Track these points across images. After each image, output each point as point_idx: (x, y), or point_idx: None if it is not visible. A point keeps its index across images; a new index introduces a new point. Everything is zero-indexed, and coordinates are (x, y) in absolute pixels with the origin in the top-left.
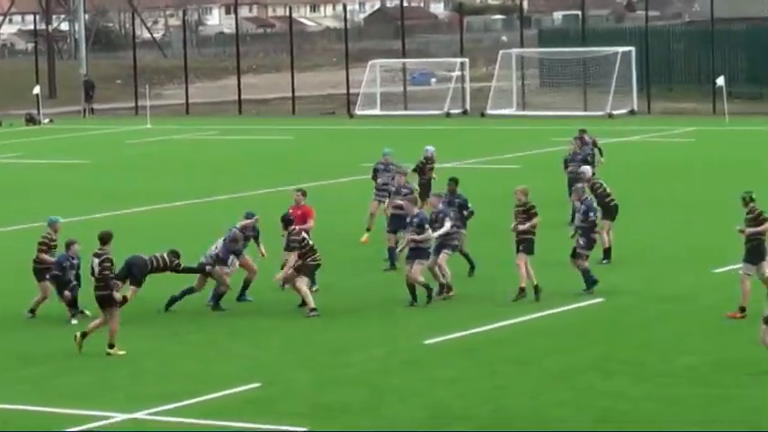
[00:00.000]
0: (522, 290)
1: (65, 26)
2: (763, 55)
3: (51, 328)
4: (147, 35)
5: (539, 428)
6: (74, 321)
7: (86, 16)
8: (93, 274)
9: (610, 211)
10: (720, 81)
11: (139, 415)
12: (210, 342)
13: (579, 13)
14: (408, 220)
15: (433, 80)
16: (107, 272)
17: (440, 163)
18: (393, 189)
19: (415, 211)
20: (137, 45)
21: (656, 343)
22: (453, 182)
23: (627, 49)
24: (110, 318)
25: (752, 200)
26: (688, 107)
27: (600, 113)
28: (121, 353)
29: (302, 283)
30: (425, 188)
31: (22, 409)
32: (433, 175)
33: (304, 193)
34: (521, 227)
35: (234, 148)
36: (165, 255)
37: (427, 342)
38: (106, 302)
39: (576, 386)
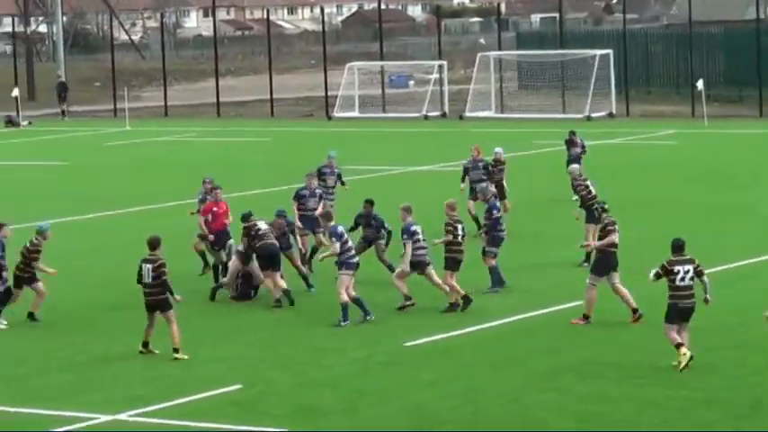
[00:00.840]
0: (452, 305)
1: (43, 28)
2: (742, 57)
3: (28, 328)
4: (125, 37)
5: (519, 430)
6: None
7: (64, 18)
8: (141, 280)
9: (593, 215)
10: (700, 84)
11: (122, 416)
12: (192, 343)
13: (557, 15)
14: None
15: (411, 83)
16: (165, 276)
17: (419, 166)
18: (307, 193)
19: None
20: (115, 47)
21: (638, 345)
22: (369, 204)
23: (605, 51)
24: (168, 321)
25: (604, 210)
26: (666, 110)
27: (578, 116)
28: (186, 357)
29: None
30: (498, 190)
31: (2, 410)
32: (503, 181)
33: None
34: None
35: (213, 150)
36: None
37: (407, 344)
38: (161, 306)
39: (557, 388)
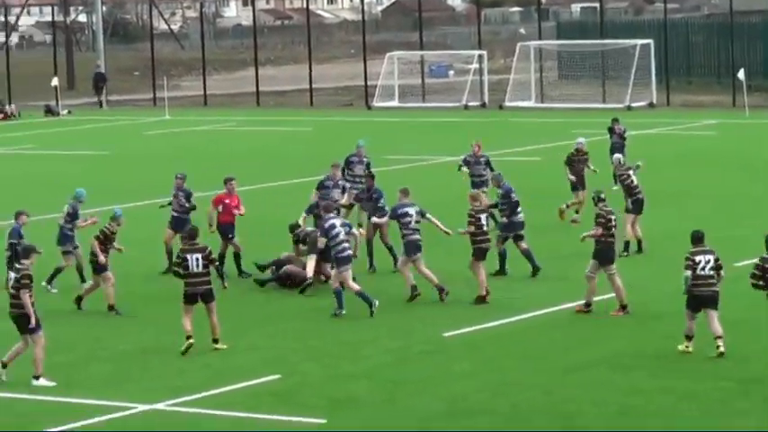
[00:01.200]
0: (480, 297)
1: (83, 18)
2: None
3: (66, 318)
4: (164, 27)
5: (556, 422)
6: None
7: (104, 8)
8: (185, 271)
9: (636, 205)
10: (741, 74)
11: (161, 406)
12: (230, 333)
13: (598, 5)
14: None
15: (451, 72)
16: (216, 262)
17: (458, 155)
18: (330, 184)
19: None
20: (154, 37)
21: (671, 337)
22: (371, 177)
23: (646, 41)
24: (210, 312)
25: (601, 200)
26: (707, 100)
27: (619, 106)
28: (224, 347)
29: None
30: (579, 180)
31: (42, 399)
32: (592, 167)
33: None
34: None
35: (252, 140)
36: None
37: (445, 335)
38: (206, 296)
39: (592, 380)
